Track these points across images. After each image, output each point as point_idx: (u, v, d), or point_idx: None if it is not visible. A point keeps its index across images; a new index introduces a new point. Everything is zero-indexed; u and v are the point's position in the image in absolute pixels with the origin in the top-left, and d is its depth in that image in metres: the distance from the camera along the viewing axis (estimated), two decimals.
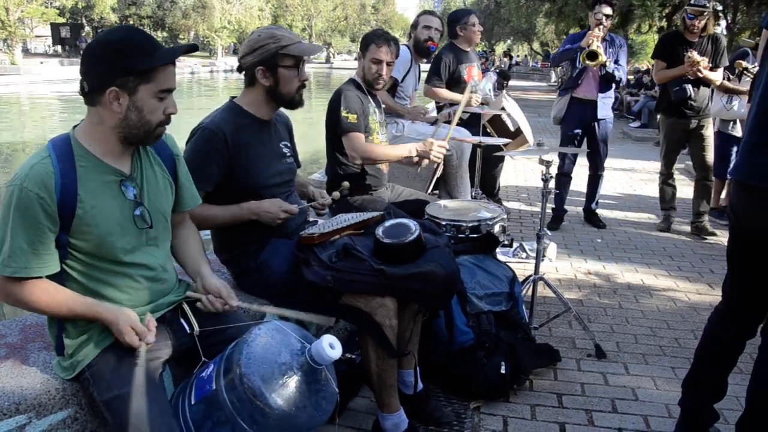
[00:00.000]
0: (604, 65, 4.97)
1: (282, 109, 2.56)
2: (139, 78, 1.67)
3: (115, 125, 1.71)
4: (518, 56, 57.98)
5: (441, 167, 4.34)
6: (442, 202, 3.49)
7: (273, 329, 1.63)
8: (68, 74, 29.47)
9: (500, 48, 47.90)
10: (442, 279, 2.20)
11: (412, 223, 2.25)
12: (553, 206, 5.55)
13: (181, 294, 1.95)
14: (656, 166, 9.37)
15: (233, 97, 2.48)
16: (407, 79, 4.38)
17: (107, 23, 43.08)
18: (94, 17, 41.18)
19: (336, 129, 3.22)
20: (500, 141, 3.91)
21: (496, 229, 3.23)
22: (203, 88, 31.85)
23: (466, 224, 3.17)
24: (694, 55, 4.85)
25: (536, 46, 49.32)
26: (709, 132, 5.29)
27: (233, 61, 47.51)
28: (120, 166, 1.78)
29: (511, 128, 5.00)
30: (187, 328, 1.89)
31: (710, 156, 5.31)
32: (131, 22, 42.73)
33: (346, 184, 2.82)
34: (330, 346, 1.53)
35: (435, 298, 2.29)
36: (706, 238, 5.33)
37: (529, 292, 3.38)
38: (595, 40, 4.91)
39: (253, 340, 1.59)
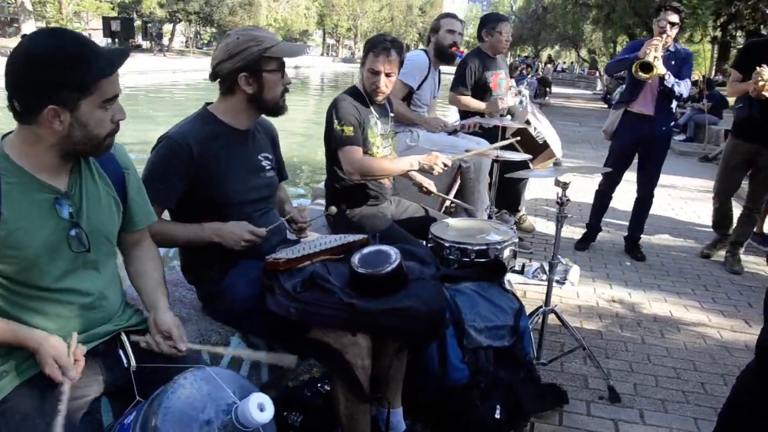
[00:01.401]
0: (662, 78, 4.46)
1: (266, 117, 2.34)
2: (80, 92, 1.46)
3: (55, 143, 1.52)
4: (564, 63, 56.93)
5: (458, 181, 4.07)
6: (450, 220, 3.22)
7: (201, 378, 1.40)
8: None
9: (546, 54, 47.01)
10: (424, 316, 1.94)
11: (392, 251, 2.00)
12: (587, 222, 5.22)
13: (122, 324, 1.74)
14: (699, 183, 8.94)
15: (208, 104, 2.27)
16: (424, 86, 4.11)
17: (156, 18, 43.84)
18: (143, 12, 41.86)
19: (331, 142, 2.99)
20: (519, 156, 3.61)
21: (506, 254, 2.95)
22: None
23: (472, 247, 2.89)
24: (764, 71, 4.36)
25: (583, 53, 48.32)
26: None
27: None
28: (56, 182, 1.58)
29: (539, 142, 4.69)
30: (124, 361, 1.68)
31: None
32: (179, 18, 43.38)
33: (333, 209, 2.59)
34: (259, 408, 1.30)
35: (416, 337, 2.04)
36: (737, 272, 4.88)
37: (540, 323, 3.09)
38: (653, 50, 4.35)
39: (175, 391, 1.36)
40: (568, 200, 2.85)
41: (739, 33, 24.84)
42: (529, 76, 13.28)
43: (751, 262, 5.10)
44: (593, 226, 5.22)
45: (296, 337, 1.95)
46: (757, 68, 4.33)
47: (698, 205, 7.27)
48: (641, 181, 4.97)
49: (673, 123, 4.83)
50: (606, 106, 23.58)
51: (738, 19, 21.98)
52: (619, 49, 36.90)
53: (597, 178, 8.39)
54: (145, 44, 47.56)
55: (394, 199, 3.35)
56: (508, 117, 4.70)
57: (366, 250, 2.03)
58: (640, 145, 4.79)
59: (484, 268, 2.87)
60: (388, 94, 3.05)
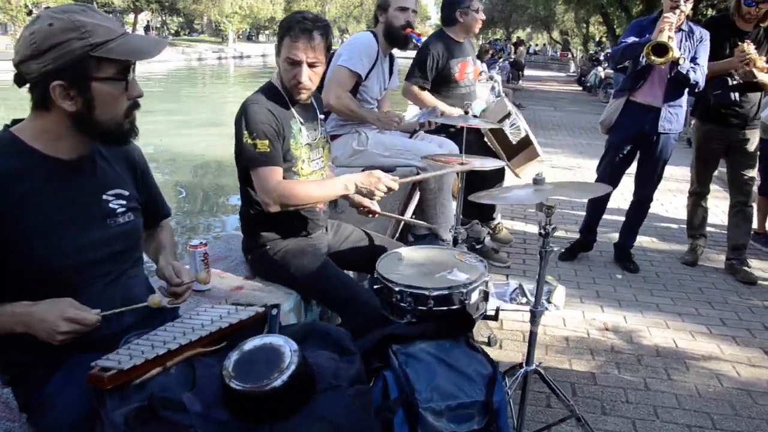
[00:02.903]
0: (676, 63, 3.70)
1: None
2: None
3: None
4: (537, 45, 56.43)
5: (417, 194, 3.36)
6: (404, 251, 2.49)
7: None
8: None
9: (515, 36, 46.46)
10: None
11: (287, 348, 1.27)
12: (579, 229, 4.55)
13: None
14: (686, 173, 8.31)
15: (11, 123, 1.49)
16: (372, 77, 3.35)
17: (116, 8, 42.29)
18: (101, 1, 40.27)
19: (242, 160, 2.25)
20: (491, 164, 2.87)
21: (474, 297, 2.23)
22: (207, 78, 31.19)
23: (429, 293, 2.17)
24: (750, 48, 3.77)
25: (555, 34, 47.83)
26: (754, 146, 4.23)
27: (244, 48, 46.54)
28: None
29: (513, 141, 3.96)
30: None
31: (752, 175, 4.27)
32: (140, 7, 41.90)
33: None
34: None
35: None
36: (752, 281, 4.25)
37: (521, 386, 2.39)
38: (666, 29, 3.61)
39: None
40: (554, 228, 2.13)
41: (710, 11, 24.41)
42: (501, 60, 12.57)
43: (756, 268, 4.46)
44: (586, 236, 4.53)
45: None
46: (740, 44, 3.83)
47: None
48: (640, 182, 4.29)
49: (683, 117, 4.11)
50: (581, 88, 23.08)
51: None
52: (592, 30, 36.48)
53: (583, 171, 7.78)
54: None
55: (332, 224, 2.62)
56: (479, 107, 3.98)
57: (248, 346, 1.29)
58: (642, 140, 4.10)
59: (445, 321, 2.15)
60: (313, 89, 2.31)
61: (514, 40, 27.80)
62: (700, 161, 4.44)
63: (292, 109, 2.31)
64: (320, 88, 3.18)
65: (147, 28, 45.43)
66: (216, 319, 1.48)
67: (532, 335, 2.26)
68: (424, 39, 3.81)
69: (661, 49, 3.61)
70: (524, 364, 2.32)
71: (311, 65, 2.20)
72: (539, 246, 2.12)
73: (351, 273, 2.93)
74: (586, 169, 7.82)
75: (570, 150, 9.51)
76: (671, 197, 6.67)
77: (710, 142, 4.31)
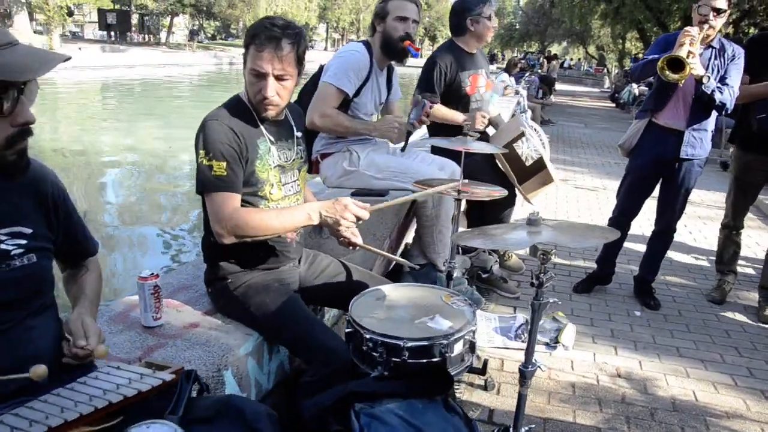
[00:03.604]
0: (700, 82, 3.39)
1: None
2: None
3: None
4: (572, 60, 55.73)
5: (414, 220, 3.08)
6: (386, 289, 2.22)
7: None
8: (106, 61, 29.12)
9: (554, 50, 45.87)
10: None
11: None
12: (596, 259, 4.24)
13: None
14: (718, 198, 7.87)
15: None
16: (365, 93, 3.07)
17: (153, 11, 42.84)
18: (141, 4, 40.78)
19: (197, 184, 2.01)
20: (491, 191, 2.58)
21: (457, 350, 1.96)
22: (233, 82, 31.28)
23: (404, 343, 1.90)
24: None
25: (591, 49, 47.13)
26: None
27: None
28: None
29: (527, 162, 3.67)
30: None
31: None
32: (176, 11, 42.30)
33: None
34: None
35: None
36: None
37: None
38: (687, 42, 3.29)
39: None
40: (551, 278, 1.84)
41: (752, 30, 23.63)
42: (527, 74, 12.21)
43: None
44: (603, 269, 4.21)
45: None
46: None
47: (717, 226, 6.22)
48: (662, 211, 3.96)
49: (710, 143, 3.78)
50: (614, 105, 22.54)
51: (751, 15, 20.75)
52: (628, 46, 35.84)
53: (608, 193, 7.42)
54: (142, 38, 46.66)
55: (308, 254, 2.36)
56: (489, 129, 3.70)
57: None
58: (664, 165, 3.78)
59: (420, 377, 1.87)
60: (283, 105, 2.06)
61: (548, 53, 27.36)
62: (739, 193, 4.10)
63: (261, 127, 2.07)
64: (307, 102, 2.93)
65: (192, 33, 45.94)
66: (111, 388, 1.23)
67: (521, 398, 1.97)
68: (422, 54, 3.53)
69: (677, 64, 3.29)
70: (511, 430, 2.02)
71: (279, 78, 1.95)
72: (532, 299, 1.83)
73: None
74: (611, 191, 7.41)
75: (596, 170, 9.14)
76: (701, 225, 6.28)
77: (751, 172, 3.97)
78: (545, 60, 20.07)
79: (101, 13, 41.32)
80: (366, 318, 2.00)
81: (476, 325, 2.02)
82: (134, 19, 45.94)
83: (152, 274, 2.02)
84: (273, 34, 1.90)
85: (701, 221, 6.41)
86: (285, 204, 2.15)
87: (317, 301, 2.35)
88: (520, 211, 4.07)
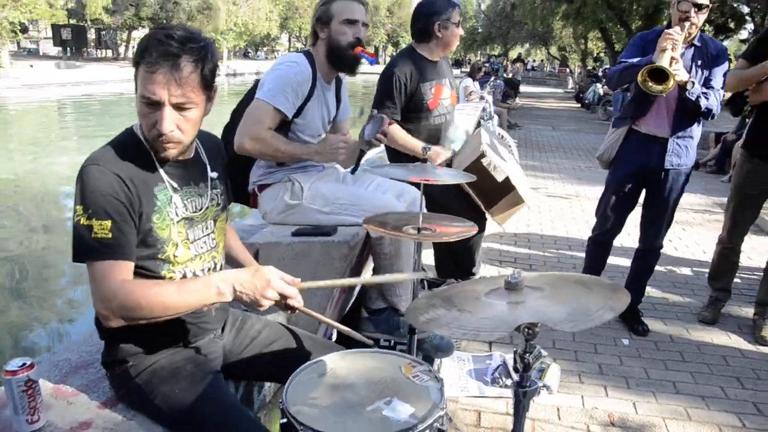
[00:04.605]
0: (684, 87, 3.07)
1: None
2: None
3: None
4: (534, 61, 56.02)
5: (370, 259, 2.64)
6: (331, 360, 1.77)
7: None
8: (61, 78, 28.18)
9: (517, 52, 45.98)
10: None
11: None
12: None
13: None
14: (695, 201, 7.60)
15: None
16: (310, 110, 2.60)
17: (111, 25, 41.83)
18: (96, 18, 39.71)
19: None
20: (461, 228, 2.13)
21: None
22: None
23: None
24: None
25: (554, 50, 47.39)
26: None
27: (238, 65, 45.99)
28: None
29: (498, 178, 3.25)
30: None
31: None
32: (133, 25, 41.36)
33: None
34: None
35: None
36: None
37: None
38: (669, 47, 2.94)
39: None
40: (538, 356, 1.41)
41: (706, 27, 23.72)
42: (492, 78, 11.88)
43: None
44: None
45: None
46: None
47: (700, 233, 5.93)
48: (647, 227, 3.59)
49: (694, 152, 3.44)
50: (579, 105, 22.45)
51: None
52: (590, 46, 36.00)
53: (582, 200, 7.08)
54: (99, 53, 45.63)
55: (234, 319, 1.90)
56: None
57: None
58: (648, 176, 3.43)
59: None
60: (186, 143, 1.60)
61: (511, 56, 27.26)
62: (739, 206, 3.72)
63: (160, 171, 1.61)
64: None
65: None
66: None
67: None
68: (379, 61, 3.12)
69: (660, 74, 2.93)
70: None
71: (179, 107, 1.50)
72: (514, 383, 1.41)
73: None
74: (584, 198, 7.13)
75: (567, 175, 8.83)
76: (680, 231, 5.96)
77: (755, 180, 3.59)
78: (509, 63, 19.83)
79: (55, 29, 40.22)
80: (304, 407, 1.56)
81: (445, 407, 1.59)
82: (91, 34, 44.94)
83: (24, 365, 1.54)
84: (169, 50, 1.45)
85: (679, 227, 6.09)
86: (197, 266, 1.70)
87: (249, 375, 1.91)
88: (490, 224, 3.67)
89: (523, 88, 22.34)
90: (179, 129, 1.53)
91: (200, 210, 1.71)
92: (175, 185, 1.64)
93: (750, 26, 19.14)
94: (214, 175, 1.78)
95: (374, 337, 2.66)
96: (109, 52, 45.34)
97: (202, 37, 1.55)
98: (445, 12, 3.31)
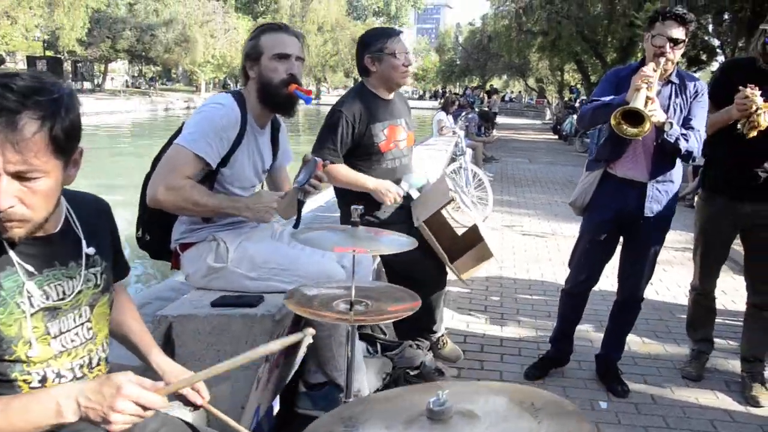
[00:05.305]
0: (661, 129, 2.80)
1: None
2: None
3: None
4: (512, 93, 56.60)
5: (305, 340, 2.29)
6: None
7: None
8: None
9: (495, 83, 46.42)
10: None
11: None
12: (550, 338, 3.55)
13: None
14: (675, 238, 7.33)
15: None
16: (238, 159, 2.27)
17: (87, 57, 41.58)
18: (72, 50, 39.44)
19: None
20: (404, 306, 1.78)
21: None
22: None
23: None
24: (752, 93, 2.83)
25: (531, 81, 47.87)
26: None
27: None
28: None
29: (458, 231, 2.94)
30: None
31: None
32: (109, 57, 41.16)
33: None
34: None
35: None
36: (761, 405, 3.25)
37: None
38: (644, 87, 2.67)
39: None
40: None
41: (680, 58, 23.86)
42: (465, 111, 11.72)
43: None
44: (559, 348, 3.50)
45: None
46: (741, 88, 2.86)
47: (681, 273, 5.65)
48: (625, 277, 3.29)
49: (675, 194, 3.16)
50: (556, 137, 22.45)
51: (758, 33, 20.41)
52: (567, 77, 36.37)
53: (558, 239, 6.79)
54: (77, 85, 45.26)
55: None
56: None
57: None
58: (626, 223, 3.14)
59: None
60: (37, 220, 1.26)
61: (488, 87, 27.34)
62: (704, 249, 3.46)
63: (10, 252, 1.26)
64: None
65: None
66: None
67: None
68: (315, 99, 2.81)
69: (635, 116, 2.66)
70: None
71: (20, 176, 1.16)
72: None
73: None
74: (560, 236, 6.86)
75: (543, 211, 8.57)
76: (661, 272, 5.67)
77: (718, 222, 3.33)
78: (486, 95, 19.80)
79: (30, 60, 39.90)
80: None
81: None
82: (69, 65, 44.61)
83: None
84: (4, 105, 1.13)
85: (660, 267, 5.75)
86: (64, 364, 1.35)
87: None
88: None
89: (501, 120, 22.38)
90: (23, 204, 1.19)
91: (70, 295, 1.36)
92: (31, 269, 1.29)
93: (721, 58, 19.31)
94: (91, 250, 1.43)
95: (312, 415, 2.31)
96: (87, 84, 44.98)
97: (55, 88, 1.21)
98: (378, 42, 3.01)
